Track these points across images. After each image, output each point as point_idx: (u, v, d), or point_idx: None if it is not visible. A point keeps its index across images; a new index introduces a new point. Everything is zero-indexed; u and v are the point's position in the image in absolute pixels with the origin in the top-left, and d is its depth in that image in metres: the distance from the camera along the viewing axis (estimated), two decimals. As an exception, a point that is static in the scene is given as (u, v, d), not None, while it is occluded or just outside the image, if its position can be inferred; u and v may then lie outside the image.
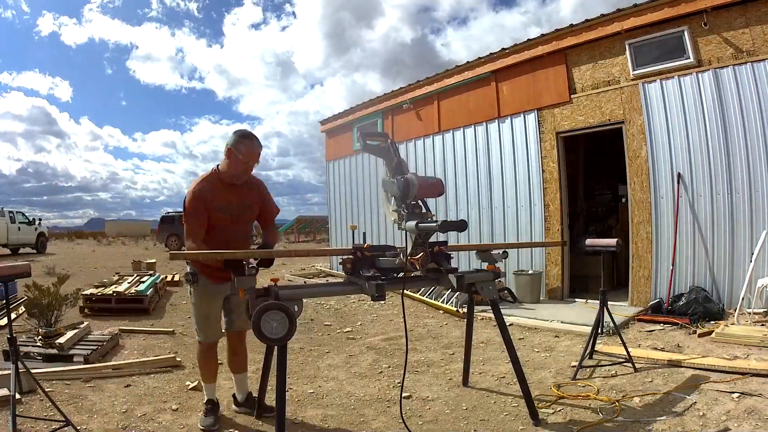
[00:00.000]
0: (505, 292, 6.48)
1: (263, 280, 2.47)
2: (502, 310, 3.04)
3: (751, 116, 5.00)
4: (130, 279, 7.40)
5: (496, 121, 7.30)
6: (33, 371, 3.36)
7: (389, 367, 3.91)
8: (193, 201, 2.65)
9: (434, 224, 2.43)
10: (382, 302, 5.82)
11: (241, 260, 2.35)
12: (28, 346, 4.08)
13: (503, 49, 7.11)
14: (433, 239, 2.73)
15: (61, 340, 4.02)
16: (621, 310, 5.40)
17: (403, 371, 2.71)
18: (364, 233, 9.57)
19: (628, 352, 3.63)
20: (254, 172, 2.86)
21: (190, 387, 3.41)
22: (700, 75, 5.33)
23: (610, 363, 3.71)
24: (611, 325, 3.92)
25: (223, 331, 2.97)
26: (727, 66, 5.13)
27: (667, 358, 3.70)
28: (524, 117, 6.93)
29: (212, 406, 2.88)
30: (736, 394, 2.94)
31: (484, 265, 2.99)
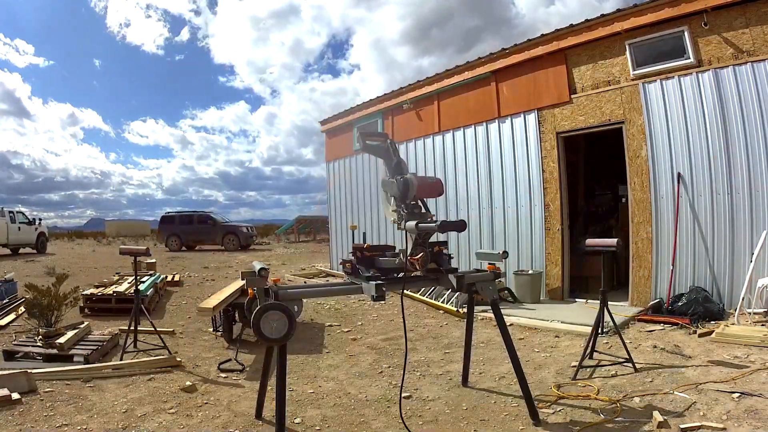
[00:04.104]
0: (505, 292, 6.48)
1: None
2: (502, 310, 3.04)
3: (751, 116, 5.00)
4: (130, 279, 7.39)
5: (496, 121, 7.30)
6: (33, 371, 3.38)
7: (389, 367, 3.91)
8: None
9: (434, 224, 2.43)
10: (383, 302, 5.81)
11: None
12: (28, 346, 4.08)
13: (503, 49, 7.11)
14: (433, 239, 2.73)
15: (61, 340, 4.02)
16: (621, 310, 5.40)
17: (402, 371, 2.71)
18: (364, 233, 9.60)
19: (628, 352, 3.63)
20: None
21: (187, 386, 3.41)
22: (700, 75, 5.33)
23: (610, 363, 3.71)
24: (611, 325, 3.92)
25: None
26: (727, 66, 5.13)
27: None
28: (524, 117, 6.92)
29: None
30: (736, 394, 2.93)
31: (485, 265, 3.00)
